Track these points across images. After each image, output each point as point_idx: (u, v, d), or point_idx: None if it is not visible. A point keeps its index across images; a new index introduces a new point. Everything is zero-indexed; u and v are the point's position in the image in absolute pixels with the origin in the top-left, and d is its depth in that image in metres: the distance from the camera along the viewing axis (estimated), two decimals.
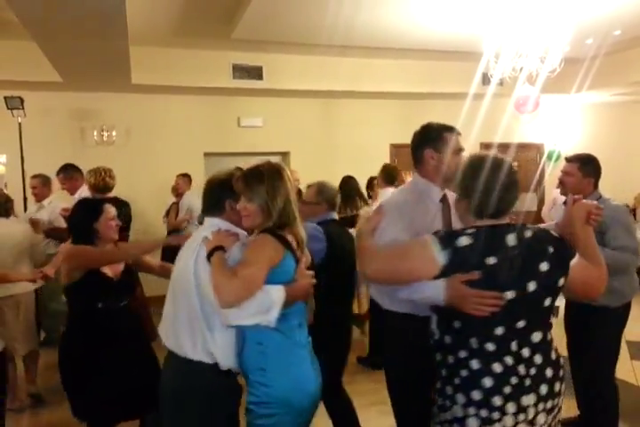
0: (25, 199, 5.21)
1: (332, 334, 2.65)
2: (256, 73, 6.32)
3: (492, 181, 1.62)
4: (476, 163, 1.68)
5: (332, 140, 7.24)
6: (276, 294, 1.67)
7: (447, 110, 7.34)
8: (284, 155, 7.30)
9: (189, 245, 1.87)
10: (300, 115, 7.15)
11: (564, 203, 2.71)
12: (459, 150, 2.09)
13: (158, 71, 5.95)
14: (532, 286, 1.59)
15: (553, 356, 1.66)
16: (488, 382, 1.57)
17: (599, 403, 2.78)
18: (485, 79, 5.41)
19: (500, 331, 1.59)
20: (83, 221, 2.50)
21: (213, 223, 1.89)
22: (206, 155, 6.83)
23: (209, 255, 1.71)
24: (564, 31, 4.63)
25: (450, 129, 2.12)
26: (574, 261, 1.66)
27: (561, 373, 1.67)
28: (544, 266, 1.60)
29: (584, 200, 1.83)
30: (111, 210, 2.53)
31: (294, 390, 1.73)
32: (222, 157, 6.64)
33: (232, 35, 5.37)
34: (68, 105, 6.31)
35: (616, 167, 7.67)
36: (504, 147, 7.49)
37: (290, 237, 1.77)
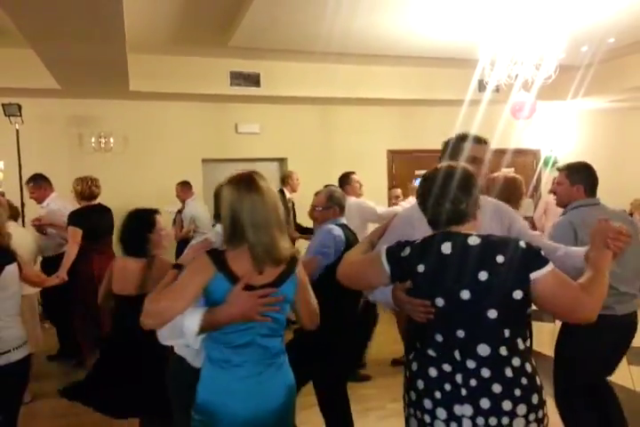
0: (22, 205, 5.20)
1: (344, 333, 2.75)
2: (253, 80, 6.35)
3: (440, 193, 1.64)
4: (428, 175, 1.73)
5: (330, 147, 7.26)
6: (189, 321, 1.62)
7: (444, 117, 7.41)
8: (282, 161, 7.32)
9: None
10: (297, 121, 7.18)
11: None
12: (472, 159, 2.03)
13: (156, 78, 5.98)
14: (465, 295, 1.54)
15: (509, 373, 1.54)
16: (421, 384, 1.63)
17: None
18: (481, 86, 5.45)
19: (439, 338, 1.60)
20: (137, 232, 2.62)
21: (218, 230, 1.95)
22: (204, 161, 6.84)
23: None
24: (559, 38, 4.67)
25: (463, 138, 2.12)
26: (545, 275, 1.51)
27: (518, 393, 1.53)
28: (483, 275, 1.53)
29: (610, 223, 1.69)
30: (161, 220, 2.71)
31: (218, 404, 1.69)
32: (220, 163, 6.66)
33: (230, 42, 5.40)
34: (65, 112, 6.32)
35: (612, 173, 7.71)
36: (500, 153, 7.57)
37: (234, 256, 1.65)
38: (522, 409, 1.52)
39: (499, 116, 6.68)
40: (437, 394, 1.57)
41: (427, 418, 1.60)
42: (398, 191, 4.66)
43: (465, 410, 1.53)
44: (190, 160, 6.71)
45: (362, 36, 5.36)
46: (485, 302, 1.54)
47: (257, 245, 1.63)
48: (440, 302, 1.58)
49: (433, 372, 1.60)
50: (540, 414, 1.57)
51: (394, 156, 7.67)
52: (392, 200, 5.68)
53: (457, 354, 1.57)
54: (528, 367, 1.57)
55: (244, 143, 6.95)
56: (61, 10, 3.27)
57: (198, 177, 6.63)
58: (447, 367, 1.57)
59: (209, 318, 1.62)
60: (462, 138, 2.11)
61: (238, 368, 1.68)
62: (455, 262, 1.57)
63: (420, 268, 1.60)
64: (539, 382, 1.59)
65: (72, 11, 3.28)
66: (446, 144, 2.20)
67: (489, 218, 1.94)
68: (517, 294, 1.52)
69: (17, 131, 5.42)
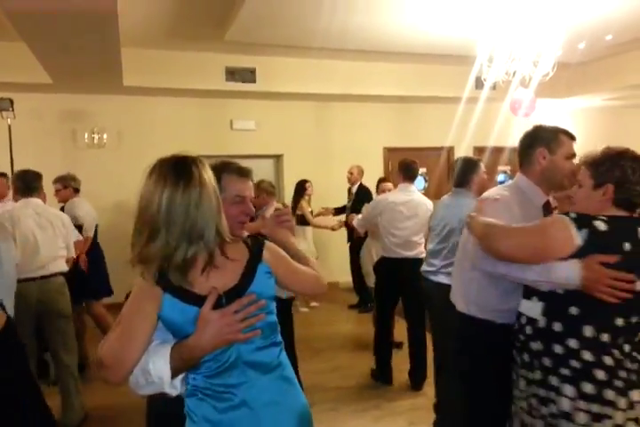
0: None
1: None
2: (249, 75, 6.29)
3: None
4: (630, 155, 1.69)
5: (326, 144, 7.22)
6: (157, 364, 1.30)
7: (441, 114, 7.40)
8: (278, 158, 7.27)
9: None
10: (293, 118, 7.13)
11: None
12: (572, 156, 1.98)
13: (150, 73, 5.91)
14: None
15: None
16: (600, 374, 1.55)
17: None
18: (479, 83, 5.41)
19: (619, 322, 1.57)
20: None
21: None
22: None
23: None
24: (556, 35, 4.64)
25: (566, 132, 2.02)
26: None
27: None
28: None
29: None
30: None
31: None
32: (215, 159, 6.60)
33: (225, 37, 5.34)
34: (58, 107, 6.25)
35: None
36: (498, 150, 7.55)
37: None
38: None
39: (496, 113, 6.66)
40: (618, 383, 1.55)
41: (607, 410, 1.54)
42: (389, 185, 4.64)
43: (636, 395, 1.55)
44: None
45: (359, 31, 5.31)
46: None
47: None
48: (638, 285, 1.55)
49: (608, 360, 1.56)
50: None
51: (390, 153, 7.64)
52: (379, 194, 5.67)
53: (621, 339, 1.57)
54: None
55: (239, 140, 6.89)
56: (55, 3, 3.21)
57: None
58: (617, 353, 1.56)
59: (179, 356, 1.30)
60: (564, 131, 2.05)
61: (227, 396, 1.36)
62: None
63: (627, 246, 1.57)
64: None
65: (65, 4, 3.22)
66: (543, 129, 2.11)
67: None
68: None
69: (9, 126, 5.34)
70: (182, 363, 1.31)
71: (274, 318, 1.44)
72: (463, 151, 7.76)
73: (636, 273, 1.55)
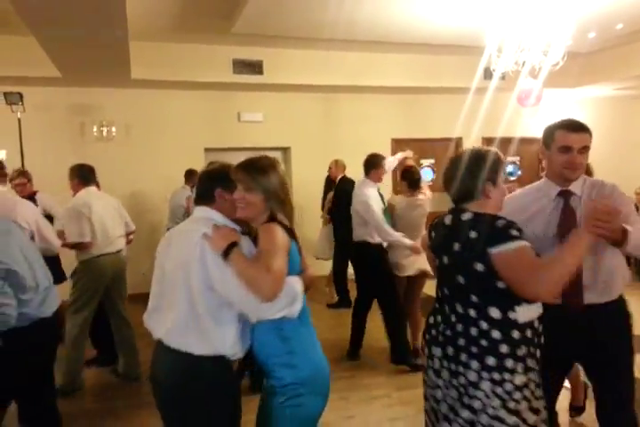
0: None
1: None
2: (256, 68, 6.29)
3: (450, 175, 1.89)
4: (454, 157, 1.92)
5: (333, 135, 7.21)
6: (298, 285, 1.74)
7: (449, 105, 7.36)
8: (285, 150, 7.27)
9: (183, 241, 1.81)
10: (300, 110, 7.12)
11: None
12: (564, 148, 2.04)
13: (158, 66, 5.92)
14: (445, 260, 1.88)
15: (473, 332, 1.75)
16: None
17: None
18: (487, 73, 5.38)
19: (439, 292, 1.93)
20: None
21: (206, 215, 1.87)
22: (207, 150, 6.80)
23: (225, 253, 1.68)
24: (566, 25, 4.59)
25: (565, 126, 2.09)
26: (504, 251, 1.65)
27: (475, 350, 1.74)
28: (456, 246, 1.80)
29: (597, 203, 1.77)
30: None
31: (317, 371, 1.81)
32: (223, 152, 6.62)
33: (232, 29, 5.34)
34: (67, 101, 6.28)
35: (618, 161, 7.66)
36: (506, 141, 7.50)
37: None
38: (474, 364, 1.73)
39: (505, 104, 6.61)
40: (426, 336, 1.96)
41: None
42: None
43: (437, 352, 1.86)
44: (193, 149, 6.67)
45: (367, 22, 5.29)
46: (455, 268, 1.82)
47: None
48: (438, 261, 1.95)
49: (430, 319, 1.94)
50: (497, 376, 1.71)
51: (398, 144, 7.61)
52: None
53: (447, 308, 1.85)
54: (496, 334, 1.72)
55: (246, 132, 6.90)
56: None
57: (201, 166, 6.57)
58: (439, 317, 1.89)
59: (304, 283, 1.78)
60: (562, 125, 2.13)
61: (314, 334, 1.87)
62: (445, 233, 1.88)
63: (432, 234, 1.98)
64: (506, 350, 1.71)
65: None
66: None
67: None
68: (479, 267, 1.72)
69: (19, 120, 5.39)
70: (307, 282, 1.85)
71: None
72: (472, 142, 7.71)
73: (437, 253, 1.93)
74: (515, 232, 1.68)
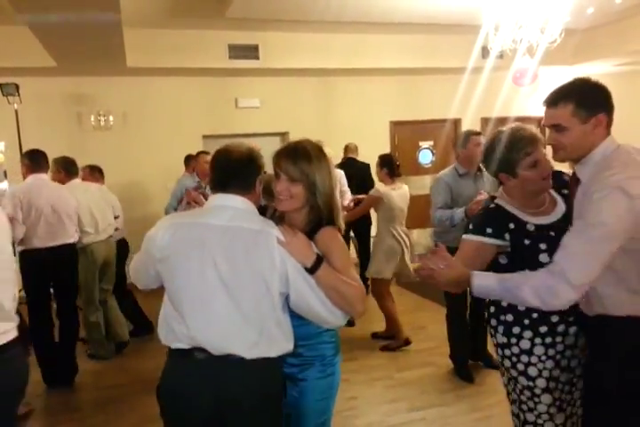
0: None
1: None
2: (252, 52, 6.23)
3: None
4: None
5: (332, 119, 7.18)
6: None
7: (446, 86, 7.31)
8: (283, 135, 7.25)
9: (255, 244, 1.57)
10: (297, 94, 7.08)
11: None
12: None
13: (154, 53, 5.87)
14: None
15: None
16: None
17: None
18: (485, 52, 5.33)
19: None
20: None
21: (250, 207, 1.67)
22: (205, 137, 6.79)
23: (314, 267, 1.55)
24: (564, 0, 4.53)
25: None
26: None
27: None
28: None
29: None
30: None
31: (339, 336, 1.85)
32: (221, 139, 6.60)
33: (227, 13, 5.27)
34: (63, 90, 6.25)
35: (618, 138, 7.61)
36: (503, 120, 7.44)
37: None
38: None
39: (502, 82, 6.56)
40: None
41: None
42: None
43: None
44: (191, 136, 6.65)
45: (362, 3, 5.21)
46: None
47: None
48: None
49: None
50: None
51: (396, 126, 7.59)
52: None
53: None
54: None
55: (244, 118, 6.88)
56: None
57: None
58: None
59: None
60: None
61: None
62: None
63: None
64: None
65: None
66: None
67: None
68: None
69: (16, 111, 5.37)
70: None
71: None
72: (469, 122, 7.69)
73: None
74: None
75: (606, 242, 1.47)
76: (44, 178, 3.80)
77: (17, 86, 5.27)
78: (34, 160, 3.73)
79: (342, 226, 1.69)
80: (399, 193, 4.13)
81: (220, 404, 1.59)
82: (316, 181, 1.61)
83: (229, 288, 1.56)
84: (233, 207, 1.63)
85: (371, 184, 5.01)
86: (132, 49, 5.31)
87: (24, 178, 3.79)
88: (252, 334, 1.58)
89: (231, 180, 1.64)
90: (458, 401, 3.28)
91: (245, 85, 6.88)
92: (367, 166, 5.67)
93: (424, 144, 7.76)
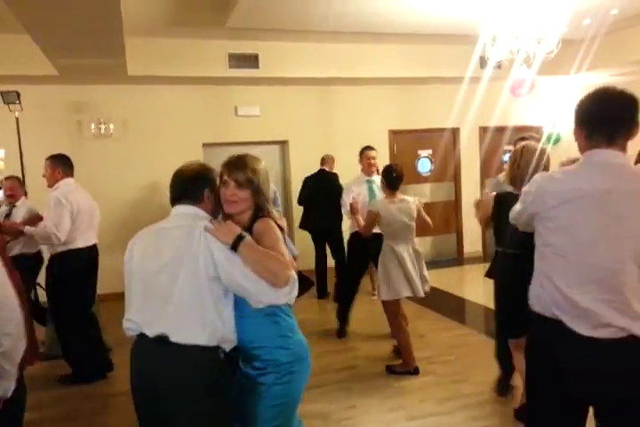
0: (25, 193, 5.21)
1: None
2: (252, 61, 6.27)
3: None
4: None
5: (331, 128, 7.22)
6: (294, 274, 1.84)
7: (445, 95, 7.36)
8: (283, 144, 7.28)
9: (179, 236, 1.84)
10: (297, 103, 7.12)
11: None
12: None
13: (154, 62, 5.91)
14: None
15: None
16: None
17: None
18: (483, 62, 5.38)
19: None
20: None
21: (193, 211, 1.95)
22: (205, 145, 6.82)
23: (235, 244, 1.77)
24: (561, 12, 4.58)
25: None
26: None
27: None
28: None
29: None
30: None
31: (305, 350, 1.99)
32: (221, 147, 6.63)
33: (227, 23, 5.33)
34: (64, 98, 6.28)
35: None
36: (502, 130, 7.49)
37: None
38: None
39: (500, 92, 6.60)
40: None
41: None
42: None
43: None
44: (191, 144, 6.68)
45: (360, 13, 5.27)
46: None
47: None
48: None
49: None
50: None
51: (395, 135, 7.62)
52: None
53: None
54: None
55: (244, 126, 6.91)
56: None
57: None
58: None
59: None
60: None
61: (288, 309, 2.00)
62: None
63: None
64: None
65: None
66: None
67: None
68: None
69: (17, 118, 5.40)
70: None
71: None
72: (468, 131, 7.72)
73: None
74: None
75: None
76: (74, 181, 4.00)
77: (18, 94, 5.30)
78: (68, 165, 3.95)
79: (275, 219, 1.96)
80: (399, 207, 3.80)
81: (149, 387, 1.83)
82: (259, 186, 1.94)
83: (151, 278, 1.84)
84: (183, 213, 1.97)
85: (339, 190, 5.39)
86: (132, 58, 5.35)
87: (49, 182, 3.93)
88: (169, 315, 1.80)
89: (182, 194, 2.00)
90: (457, 410, 3.27)
91: (245, 94, 6.92)
92: (335, 175, 6.09)
93: (423, 153, 7.79)
